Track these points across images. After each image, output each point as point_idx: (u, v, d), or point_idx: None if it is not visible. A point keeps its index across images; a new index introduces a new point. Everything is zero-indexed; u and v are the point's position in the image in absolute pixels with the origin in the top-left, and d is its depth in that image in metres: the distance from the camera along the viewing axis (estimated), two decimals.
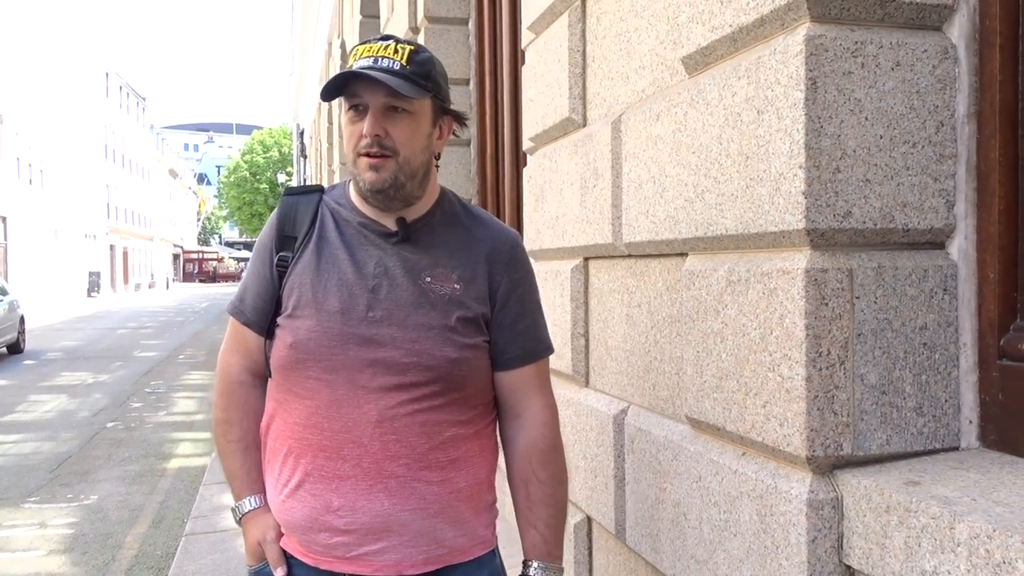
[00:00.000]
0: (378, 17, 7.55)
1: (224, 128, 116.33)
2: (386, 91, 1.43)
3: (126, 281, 52.13)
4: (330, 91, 1.46)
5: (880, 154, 1.39)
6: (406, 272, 1.50)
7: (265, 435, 1.60)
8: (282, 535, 1.56)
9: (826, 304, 1.37)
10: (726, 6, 1.57)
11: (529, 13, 2.87)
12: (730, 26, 1.56)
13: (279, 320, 1.54)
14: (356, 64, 1.46)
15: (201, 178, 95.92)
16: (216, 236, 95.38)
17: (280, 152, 53.82)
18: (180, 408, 9.40)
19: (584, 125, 2.45)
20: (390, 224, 1.53)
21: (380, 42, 1.48)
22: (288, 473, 1.52)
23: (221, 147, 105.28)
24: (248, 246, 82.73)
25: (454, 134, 1.62)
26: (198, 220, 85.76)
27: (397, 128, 1.45)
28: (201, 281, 71.61)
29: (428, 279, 1.50)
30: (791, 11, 1.40)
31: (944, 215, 1.43)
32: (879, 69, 1.38)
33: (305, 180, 25.28)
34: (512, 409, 1.60)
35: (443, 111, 1.55)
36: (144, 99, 60.05)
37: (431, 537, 1.49)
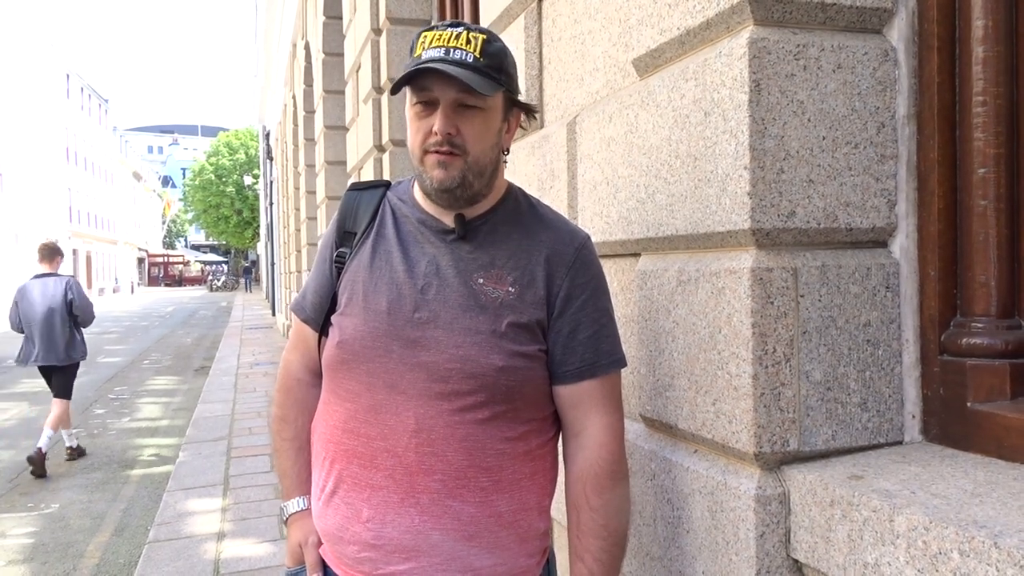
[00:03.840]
0: (341, 18, 7.52)
1: (189, 130, 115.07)
2: (459, 87, 1.32)
3: (89, 286, 51.29)
4: (401, 85, 1.37)
5: (823, 155, 1.42)
6: (458, 272, 1.40)
7: (312, 436, 1.56)
8: (322, 542, 1.52)
9: (772, 302, 1.39)
10: (674, 9, 1.59)
11: (487, 15, 2.88)
12: (678, 29, 1.58)
13: (332, 318, 1.48)
14: (425, 54, 1.35)
15: (166, 181, 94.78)
16: (182, 239, 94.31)
17: (246, 154, 53.30)
18: (144, 414, 9.28)
19: (541, 127, 2.47)
20: (449, 221, 1.44)
21: (450, 29, 1.36)
22: (325, 478, 1.47)
23: (186, 149, 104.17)
24: (214, 249, 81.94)
25: (521, 127, 1.53)
26: (163, 223, 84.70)
27: (468, 125, 1.36)
28: (167, 285, 70.71)
29: (480, 280, 1.40)
30: (735, 14, 1.42)
31: (886, 214, 1.46)
32: (821, 71, 1.41)
33: (271, 182, 25.05)
34: (571, 427, 1.45)
35: (512, 103, 1.45)
36: (106, 101, 59.20)
37: (464, 563, 1.37)
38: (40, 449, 6.37)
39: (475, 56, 1.34)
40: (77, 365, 6.85)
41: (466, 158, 1.37)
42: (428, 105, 1.36)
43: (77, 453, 7.00)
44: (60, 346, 6.56)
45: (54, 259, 6.79)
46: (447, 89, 1.34)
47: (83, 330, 6.89)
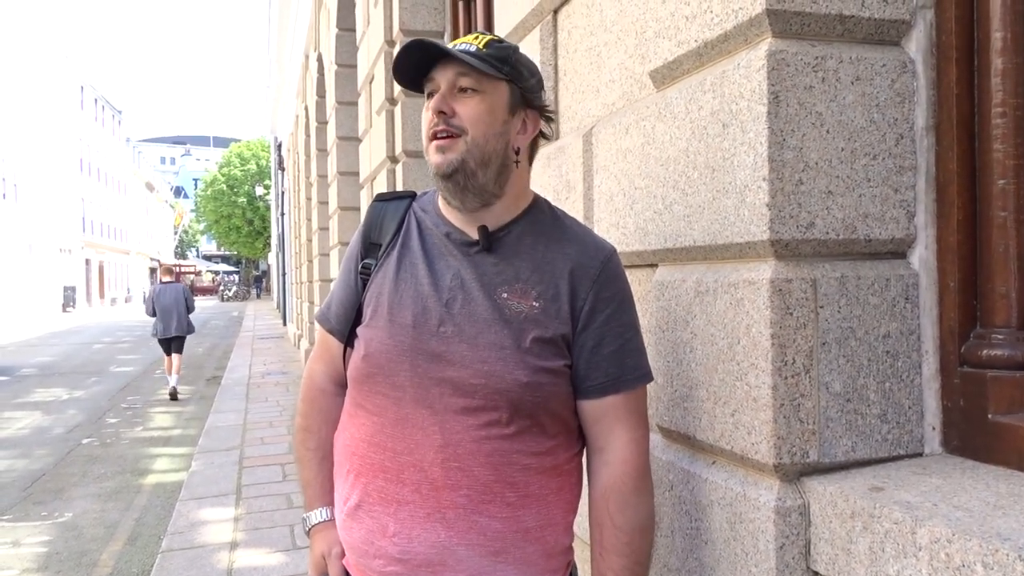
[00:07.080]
0: (354, 30, 7.56)
1: (201, 141, 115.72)
2: (455, 67, 1.35)
3: (102, 295, 51.63)
4: (401, 71, 1.40)
5: (841, 166, 1.42)
6: (482, 286, 1.39)
7: (334, 447, 1.56)
8: (345, 553, 1.52)
9: (791, 314, 1.39)
10: (691, 21, 1.60)
11: (502, 27, 2.89)
12: (695, 41, 1.58)
13: (358, 330, 1.47)
14: None
15: (178, 191, 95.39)
16: (193, 249, 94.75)
17: (258, 165, 53.53)
18: (157, 423, 9.31)
19: (556, 138, 2.48)
20: (473, 233, 1.43)
21: (468, 35, 1.42)
22: (349, 491, 1.47)
23: (198, 160, 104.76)
24: (226, 259, 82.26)
25: (544, 136, 1.52)
26: (175, 233, 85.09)
27: (465, 106, 1.36)
28: None
29: (504, 294, 1.38)
30: (754, 27, 1.43)
31: (905, 225, 1.46)
32: (839, 83, 1.41)
33: (283, 193, 25.16)
34: (595, 442, 1.44)
35: (525, 103, 1.44)
36: (120, 112, 59.74)
37: None
38: (175, 387, 10.86)
39: (478, 47, 1.37)
40: (186, 337, 11.15)
41: (465, 138, 1.36)
42: (434, 97, 1.39)
43: (175, 393, 10.86)
44: (184, 323, 10.96)
45: (173, 273, 11.64)
46: (446, 71, 1.37)
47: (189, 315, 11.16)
